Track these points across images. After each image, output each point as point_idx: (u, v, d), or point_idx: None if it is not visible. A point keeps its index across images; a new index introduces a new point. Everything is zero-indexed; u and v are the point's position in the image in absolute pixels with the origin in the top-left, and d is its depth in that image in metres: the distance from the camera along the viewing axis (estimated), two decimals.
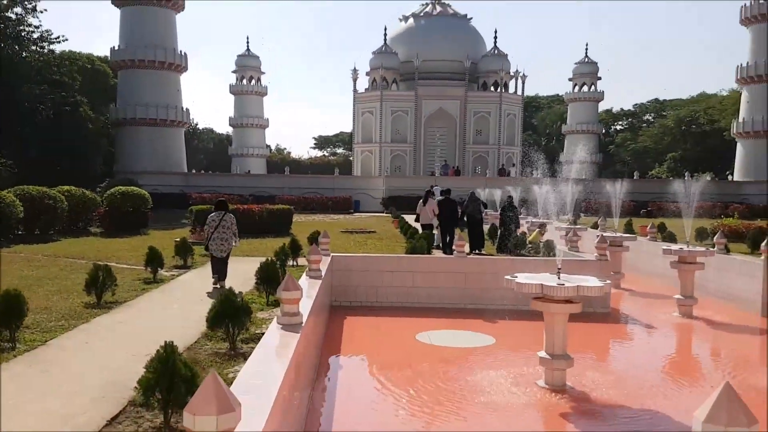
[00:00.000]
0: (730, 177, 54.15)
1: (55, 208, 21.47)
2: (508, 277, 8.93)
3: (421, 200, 19.11)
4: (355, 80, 58.08)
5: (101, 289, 10.36)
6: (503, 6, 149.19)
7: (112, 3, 47.65)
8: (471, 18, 61.92)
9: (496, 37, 59.02)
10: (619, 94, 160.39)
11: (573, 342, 8.78)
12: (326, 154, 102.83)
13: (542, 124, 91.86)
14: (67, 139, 38.57)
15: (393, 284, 14.21)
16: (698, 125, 76.22)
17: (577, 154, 60.35)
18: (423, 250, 15.12)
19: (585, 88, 75.97)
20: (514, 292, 13.66)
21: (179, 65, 47.77)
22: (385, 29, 58.87)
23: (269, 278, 10.51)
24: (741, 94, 63.16)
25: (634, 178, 53.37)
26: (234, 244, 12.75)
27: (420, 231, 19.63)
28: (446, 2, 62.20)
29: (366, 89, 58.27)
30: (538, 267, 14.05)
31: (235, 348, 7.75)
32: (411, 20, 60.49)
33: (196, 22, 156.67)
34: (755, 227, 24.58)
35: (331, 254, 14.28)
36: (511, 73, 57.63)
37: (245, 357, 7.46)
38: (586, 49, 77.62)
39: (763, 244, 13.95)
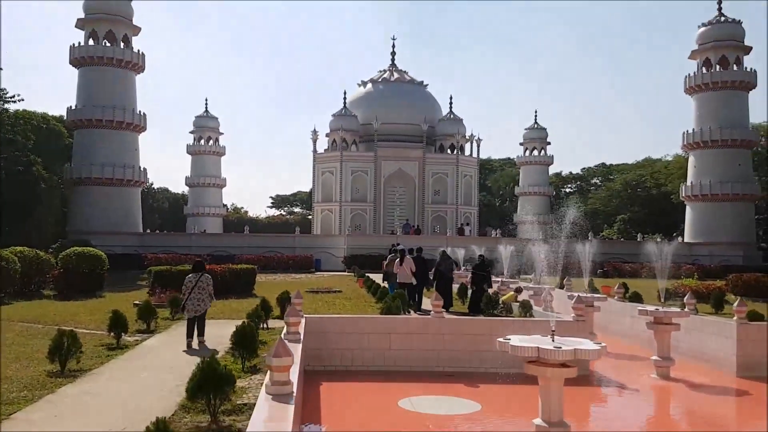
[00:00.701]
0: (680, 239, 55.61)
1: (8, 269, 20.48)
2: (501, 339, 8.66)
3: (397, 259, 18.84)
4: (315, 141, 58.43)
5: (65, 357, 9.71)
6: (457, 73, 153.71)
7: (70, 63, 47.15)
8: (427, 84, 63.55)
9: (451, 103, 60.45)
10: (568, 158, 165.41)
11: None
12: (284, 213, 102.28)
13: (496, 186, 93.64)
14: (19, 198, 37.31)
15: (369, 347, 13.81)
16: (645, 188, 78.66)
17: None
18: (398, 310, 14.82)
19: (535, 152, 77.95)
20: (496, 354, 13.32)
21: (138, 125, 47.19)
22: (345, 93, 59.85)
23: (246, 343, 10.02)
24: (685, 158, 65.74)
25: (589, 239, 54.28)
26: (209, 304, 12.84)
27: (389, 290, 19.43)
28: (403, 69, 63.82)
29: (325, 150, 58.67)
30: (520, 328, 13.89)
31: (218, 421, 7.25)
32: (369, 85, 61.67)
33: (151, 79, 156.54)
34: (714, 287, 25.14)
35: (305, 316, 13.88)
36: (467, 137, 58.92)
37: (230, 431, 6.99)
38: (536, 115, 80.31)
39: (735, 304, 14.10)
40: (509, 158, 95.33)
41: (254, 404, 7.87)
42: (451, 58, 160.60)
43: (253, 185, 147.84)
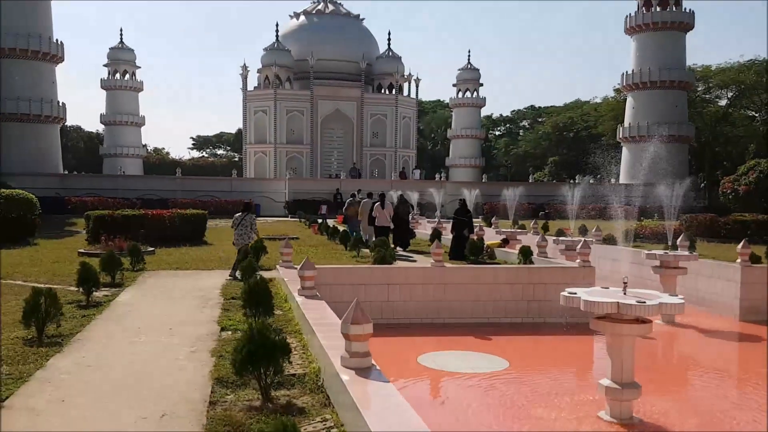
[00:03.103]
0: (612, 180, 56.67)
1: None
2: (565, 293, 7.75)
3: (377, 203, 19.09)
4: (245, 77, 55.39)
5: (43, 321, 8.12)
6: (390, 9, 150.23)
7: None
8: (363, 18, 61.15)
9: (389, 39, 58.43)
10: (498, 101, 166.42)
11: (581, 358, 7.66)
12: (206, 155, 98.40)
13: (428, 129, 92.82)
14: None
15: (366, 299, 12.71)
16: (573, 131, 79.77)
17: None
18: (392, 258, 13.75)
19: (468, 94, 77.25)
20: (501, 303, 12.43)
21: (55, 55, 42.94)
22: (277, 25, 56.76)
23: (259, 300, 8.66)
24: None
25: (530, 181, 54.73)
26: (252, 238, 14.46)
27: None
28: (338, 1, 61.04)
29: (256, 87, 55.86)
30: (526, 275, 13.13)
31: (270, 399, 5.99)
32: (303, 18, 58.71)
33: (61, 6, 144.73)
34: (675, 229, 25.31)
35: (294, 266, 12.63)
36: (405, 76, 57.35)
37: (286, 412, 5.74)
38: (469, 55, 79.28)
39: (740, 246, 13.78)
40: (440, 100, 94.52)
41: (303, 375, 6.65)
42: None
43: (172, 125, 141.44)
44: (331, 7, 59.39)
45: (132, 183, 43.38)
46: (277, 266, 12.87)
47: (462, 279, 13.00)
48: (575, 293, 7.63)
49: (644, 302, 7.09)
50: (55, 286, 12.13)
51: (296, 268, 12.60)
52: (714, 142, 61.52)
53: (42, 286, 9.02)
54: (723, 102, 62.92)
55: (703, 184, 65.74)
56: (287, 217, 38.63)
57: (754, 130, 60.84)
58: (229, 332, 8.57)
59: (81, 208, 34.92)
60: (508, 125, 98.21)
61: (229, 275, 13.54)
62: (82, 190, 39.76)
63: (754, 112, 63.84)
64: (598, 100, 79.61)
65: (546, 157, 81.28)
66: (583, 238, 15.41)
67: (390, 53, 57.47)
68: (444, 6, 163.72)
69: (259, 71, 55.80)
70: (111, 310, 10.16)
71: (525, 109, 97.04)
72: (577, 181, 53.89)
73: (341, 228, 23.97)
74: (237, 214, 14.99)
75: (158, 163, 79.78)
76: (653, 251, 13.84)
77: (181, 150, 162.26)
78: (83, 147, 76.14)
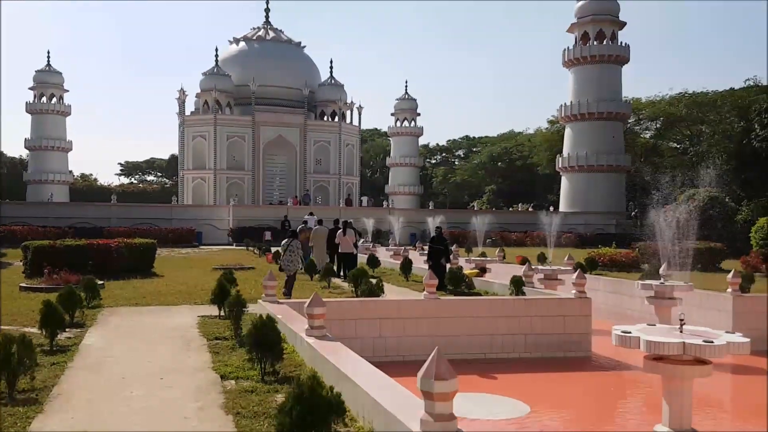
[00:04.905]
0: (551, 208, 57.57)
1: None
2: (619, 332, 7.10)
3: (341, 230, 19.86)
4: (182, 102, 53.75)
5: (15, 374, 6.89)
6: (329, 39, 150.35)
7: None
8: (305, 46, 60.62)
9: (332, 67, 58.08)
10: (434, 130, 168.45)
11: (602, 398, 7.08)
12: (134, 181, 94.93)
13: (367, 156, 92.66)
14: None
15: (357, 335, 11.82)
16: (508, 161, 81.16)
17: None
18: (380, 291, 12.89)
19: (406, 123, 77.78)
20: (497, 338, 11.93)
21: None
22: (217, 50, 55.54)
23: (265, 344, 7.66)
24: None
25: (474, 208, 54.92)
26: (300, 265, 15.86)
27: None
28: (278, 28, 60.36)
29: (192, 112, 54.25)
30: (523, 307, 12.52)
31: None
32: (243, 44, 57.76)
33: None
34: (633, 256, 25.52)
35: (281, 301, 11.68)
36: (348, 104, 57.02)
37: None
38: (406, 85, 79.93)
39: (730, 275, 13.62)
40: (377, 129, 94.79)
41: None
42: (325, 22, 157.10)
43: (99, 150, 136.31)
44: (272, 34, 58.67)
45: (63, 211, 40.82)
46: (260, 301, 11.82)
47: (457, 312, 12.27)
48: (629, 332, 7.01)
49: (711, 342, 6.54)
50: (6, 327, 10.71)
51: (282, 303, 11.66)
52: (644, 172, 63.57)
53: (9, 328, 7.74)
54: (650, 134, 65.27)
55: (634, 213, 67.81)
56: (232, 245, 37.11)
57: (681, 161, 63.25)
58: (232, 381, 7.54)
59: (10, 237, 32.63)
60: (444, 154, 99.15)
61: (284, 293, 14.44)
62: (8, 219, 37.16)
63: (677, 144, 66.49)
64: (531, 131, 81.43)
65: (482, 186, 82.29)
66: (578, 268, 14.98)
67: (332, 81, 57.08)
68: (382, 36, 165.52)
69: (197, 96, 54.35)
70: (82, 357, 8.89)
71: (460, 138, 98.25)
72: (520, 209, 54.57)
73: None
74: (284, 241, 16.06)
75: (85, 190, 76.40)
76: (648, 281, 13.51)
77: (108, 176, 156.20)
78: (6, 173, 72.08)
